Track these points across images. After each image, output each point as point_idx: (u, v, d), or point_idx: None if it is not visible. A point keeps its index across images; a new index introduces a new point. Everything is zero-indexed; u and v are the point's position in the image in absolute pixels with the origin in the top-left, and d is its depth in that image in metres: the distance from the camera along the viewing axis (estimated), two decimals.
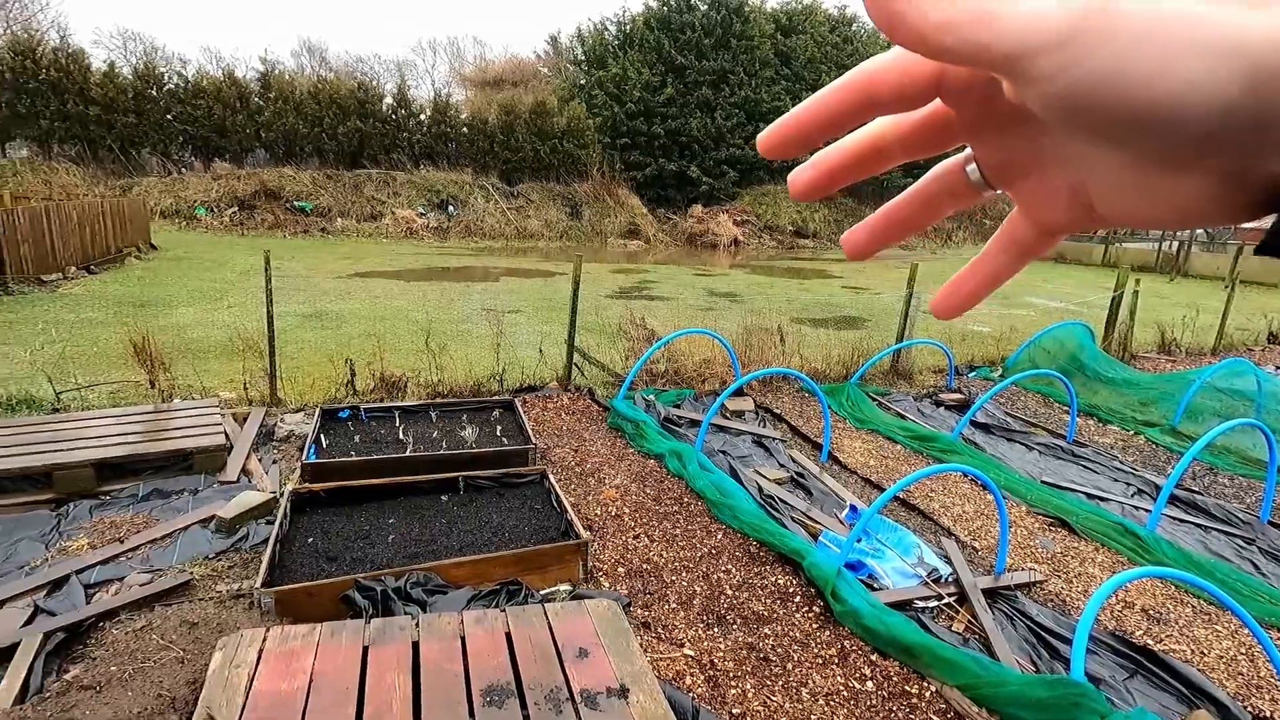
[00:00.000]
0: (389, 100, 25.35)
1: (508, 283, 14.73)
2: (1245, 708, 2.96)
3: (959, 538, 4.35)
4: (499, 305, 11.42)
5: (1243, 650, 3.37)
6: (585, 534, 3.70)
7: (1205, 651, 3.37)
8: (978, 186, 0.33)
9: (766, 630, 3.30)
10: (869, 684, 2.96)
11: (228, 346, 7.48)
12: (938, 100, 0.31)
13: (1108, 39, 0.23)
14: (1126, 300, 9.36)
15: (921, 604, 3.60)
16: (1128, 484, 5.41)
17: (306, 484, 4.12)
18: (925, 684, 2.96)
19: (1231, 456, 5.91)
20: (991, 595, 3.72)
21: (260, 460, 4.85)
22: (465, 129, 25.99)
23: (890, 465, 5.51)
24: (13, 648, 2.81)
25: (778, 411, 6.54)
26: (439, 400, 5.89)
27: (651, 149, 28.23)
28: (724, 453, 5.46)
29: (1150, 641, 3.39)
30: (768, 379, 7.37)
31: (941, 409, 7.00)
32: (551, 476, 4.37)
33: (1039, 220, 0.32)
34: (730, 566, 3.85)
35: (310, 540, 3.66)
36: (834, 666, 3.06)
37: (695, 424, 5.85)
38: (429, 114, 25.80)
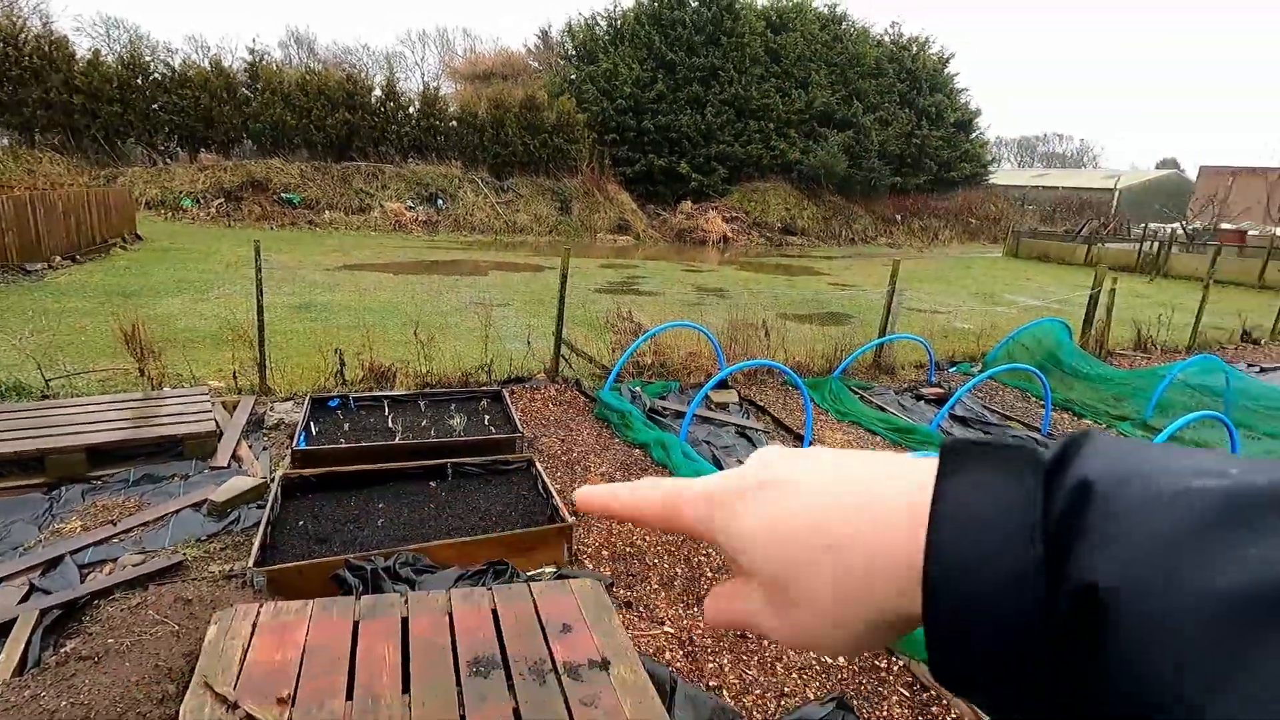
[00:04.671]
0: (378, 92, 25.27)
1: (497, 276, 14.79)
2: None
3: None
4: (488, 299, 11.49)
5: None
6: (570, 518, 3.81)
7: None
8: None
9: None
10: (840, 659, 3.09)
11: (216, 336, 7.52)
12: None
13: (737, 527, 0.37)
14: (1104, 299, 9.57)
15: None
16: None
17: (297, 469, 4.20)
18: (894, 659, 3.10)
19: (1194, 447, 6.09)
20: None
21: (250, 447, 4.92)
22: (455, 122, 25.96)
23: None
24: (10, 623, 2.88)
25: (761, 404, 6.68)
26: (428, 390, 5.97)
27: (641, 145, 28.32)
28: (708, 443, 5.59)
29: None
30: (752, 372, 7.51)
31: (922, 402, 7.17)
32: (538, 464, 4.47)
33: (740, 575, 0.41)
34: (711, 551, 3.97)
35: (301, 523, 3.74)
36: None
37: (680, 415, 5.97)
38: (418, 106, 25.74)
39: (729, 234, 26.23)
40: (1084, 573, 0.27)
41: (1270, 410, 6.96)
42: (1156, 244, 23.24)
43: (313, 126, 23.52)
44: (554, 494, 4.07)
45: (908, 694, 2.90)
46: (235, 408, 5.50)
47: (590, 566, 3.71)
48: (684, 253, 22.78)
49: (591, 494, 0.43)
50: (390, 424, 5.21)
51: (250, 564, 3.17)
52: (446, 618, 2.76)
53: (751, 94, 28.95)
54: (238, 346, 6.11)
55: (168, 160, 23.07)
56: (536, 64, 34.68)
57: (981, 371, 7.64)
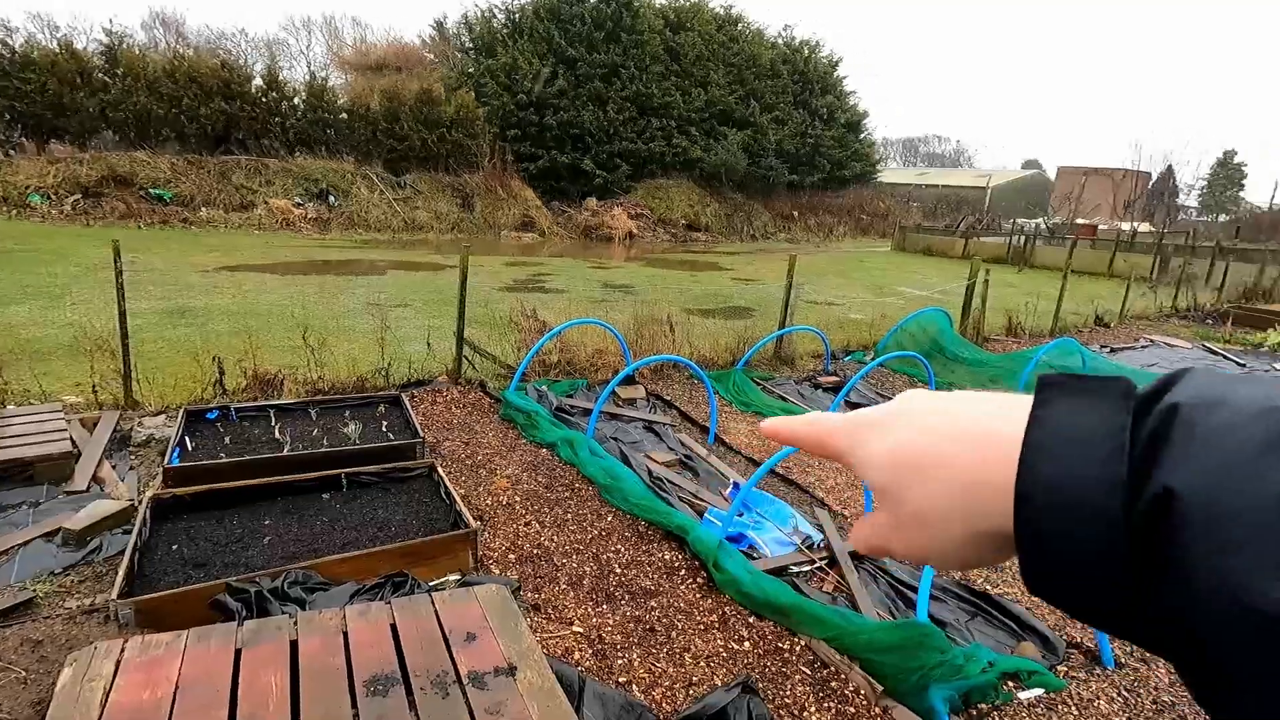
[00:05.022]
0: (258, 81, 23.64)
1: (395, 276, 14.20)
2: (1062, 636, 3.42)
3: (830, 507, 4.70)
4: (385, 299, 11.01)
5: None
6: (474, 523, 3.71)
7: None
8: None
9: (653, 603, 3.45)
10: (746, 644, 3.17)
11: (73, 347, 6.79)
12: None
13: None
14: (979, 289, 10.34)
15: (796, 569, 3.88)
16: None
17: (169, 489, 3.86)
18: (796, 639, 3.21)
19: None
20: (858, 557, 4.06)
21: (115, 467, 4.48)
22: (345, 115, 24.69)
23: (772, 445, 5.84)
24: None
25: (668, 398, 6.76)
26: (319, 398, 5.64)
27: (544, 141, 27.99)
28: (616, 439, 5.59)
29: (989, 587, 3.83)
30: (659, 367, 7.59)
31: (819, 391, 7.48)
32: (440, 469, 4.33)
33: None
34: (620, 546, 3.98)
35: (175, 548, 3.44)
36: (715, 631, 3.25)
37: (587, 413, 5.94)
38: (304, 98, 24.29)
39: (635, 231, 26.40)
40: (1161, 480, 0.29)
41: None
42: (1023, 238, 25.37)
43: (184, 117, 21.71)
44: (457, 499, 3.95)
45: (809, 672, 3.02)
46: (96, 425, 4.99)
47: (497, 571, 3.63)
48: (590, 250, 22.73)
49: (777, 425, 0.48)
50: (278, 435, 4.88)
51: (114, 596, 2.88)
52: (341, 637, 2.61)
53: (653, 92, 29.22)
54: (98, 357, 5.54)
55: (10, 151, 20.64)
56: (432, 56, 33.51)
57: (873, 360, 8.05)
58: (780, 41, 34.95)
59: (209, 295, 10.66)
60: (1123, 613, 0.31)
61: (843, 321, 11.29)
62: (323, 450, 4.59)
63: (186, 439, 4.64)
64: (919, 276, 19.67)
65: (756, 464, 5.41)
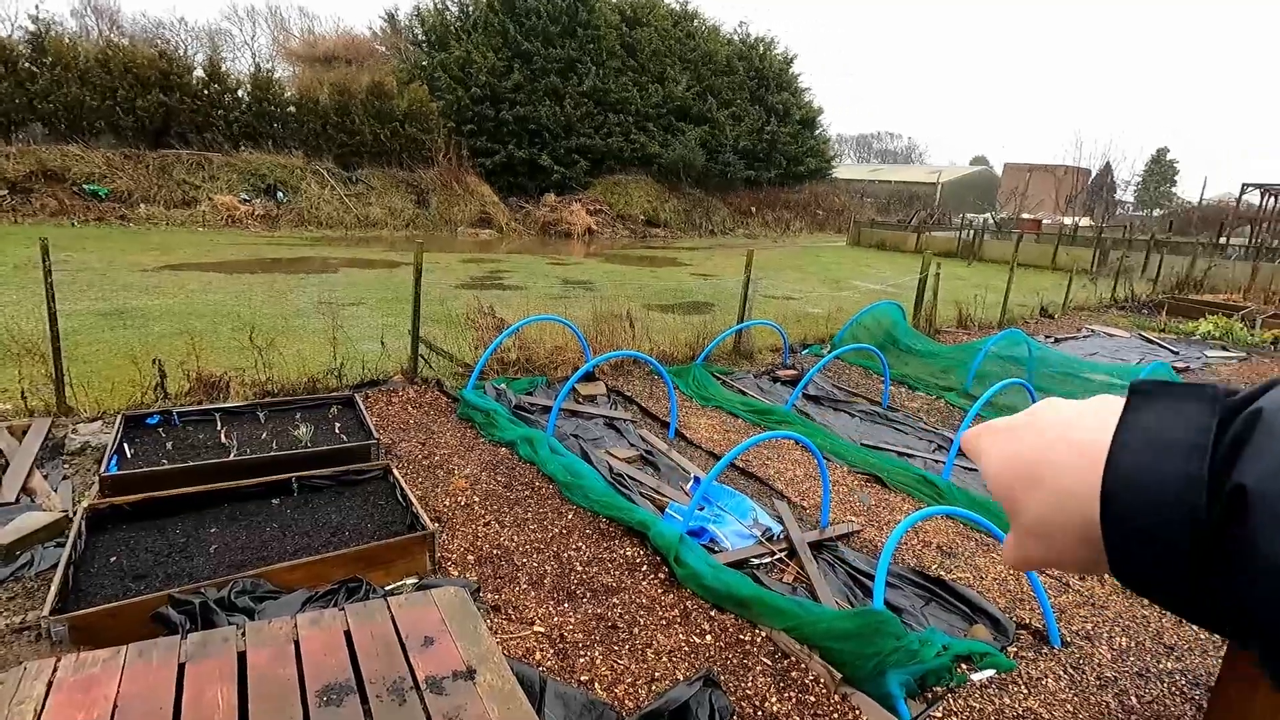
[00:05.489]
0: (200, 73, 22.75)
1: (348, 274, 13.86)
2: (1011, 618, 3.53)
3: (790, 499, 4.76)
4: (338, 298, 10.74)
5: (1012, 572, 3.99)
6: (432, 525, 3.64)
7: (984, 576, 3.96)
8: None
9: (615, 600, 3.44)
10: (708, 637, 3.19)
11: None
12: None
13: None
14: (931, 282, 10.60)
15: (757, 561, 3.91)
16: (930, 441, 6.17)
17: (107, 498, 3.68)
18: (757, 631, 3.24)
19: (1007, 412, 6.90)
20: (817, 547, 4.12)
21: (47, 477, 4.26)
22: (293, 108, 23.94)
23: (733, 438, 5.89)
24: None
25: (629, 394, 6.75)
26: (268, 400, 5.46)
27: (500, 135, 27.65)
28: (576, 436, 5.56)
29: (943, 573, 3.93)
30: (620, 363, 7.57)
31: (778, 384, 7.56)
32: (396, 471, 4.23)
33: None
34: (581, 544, 3.96)
35: (113, 559, 3.29)
36: (677, 626, 3.26)
37: (547, 410, 5.89)
38: (249, 90, 23.47)
39: (594, 226, 26.29)
40: (1237, 478, 0.31)
41: (1062, 375, 8.03)
42: (972, 232, 26.13)
43: (119, 109, 20.76)
44: (414, 501, 3.87)
45: (770, 662, 3.05)
46: (25, 432, 4.73)
47: (456, 573, 3.57)
48: (549, 246, 22.56)
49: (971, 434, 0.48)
50: (224, 439, 4.71)
51: (46, 612, 2.74)
52: (292, 646, 2.53)
53: (610, 87, 29.12)
54: (26, 362, 5.26)
55: None
56: (384, 49, 32.73)
57: (830, 353, 8.19)
58: (736, 38, 35.17)
59: (149, 295, 10.23)
60: (1202, 601, 0.33)
61: (800, 315, 11.44)
62: (272, 454, 4.45)
63: (125, 446, 4.44)
64: (873, 270, 20.08)
65: (716, 458, 5.44)
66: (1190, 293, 16.15)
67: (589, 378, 6.81)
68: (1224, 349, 11.16)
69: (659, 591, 3.54)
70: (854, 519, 4.56)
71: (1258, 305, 14.11)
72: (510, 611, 3.29)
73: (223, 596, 2.92)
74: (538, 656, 2.98)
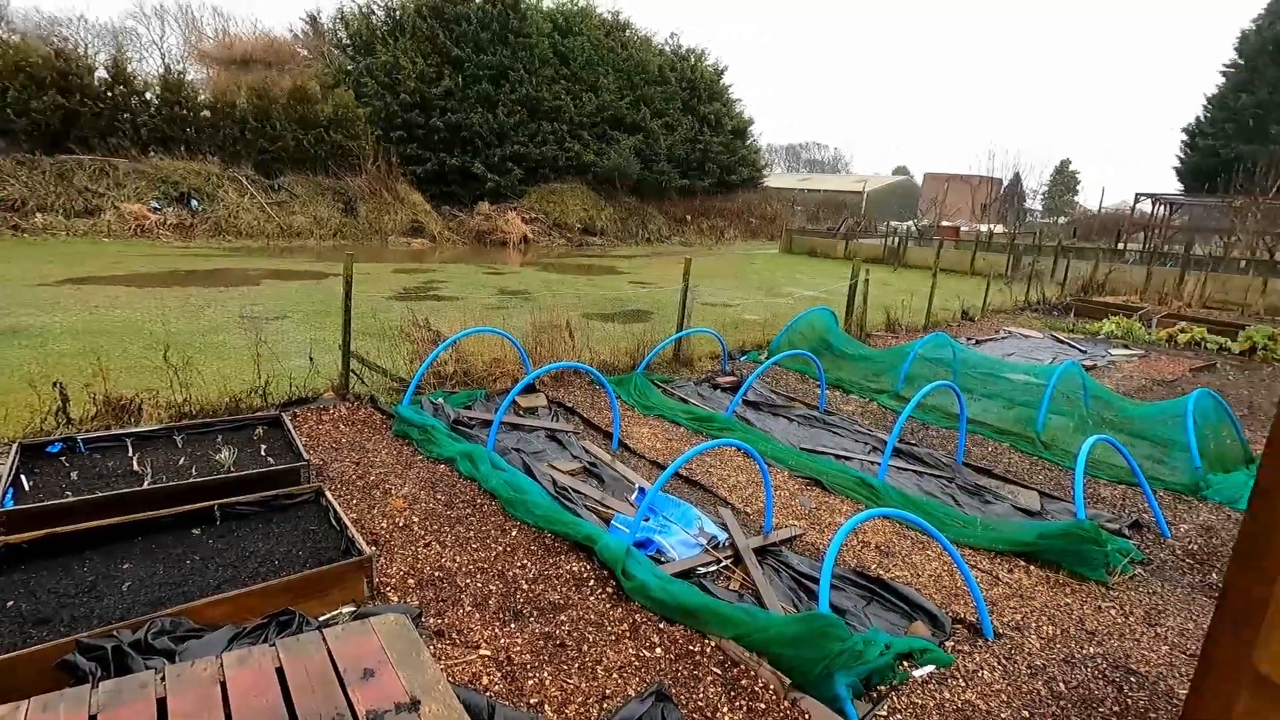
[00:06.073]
0: (102, 73, 21.36)
1: (271, 286, 13.25)
2: (947, 613, 3.66)
3: (734, 506, 4.81)
4: (261, 311, 10.25)
5: (946, 568, 4.15)
6: (368, 549, 3.49)
7: (921, 573, 4.09)
8: None
9: (563, 617, 3.38)
10: (658, 650, 3.17)
11: None
12: None
13: None
14: (860, 288, 10.96)
15: (703, 570, 3.92)
16: (865, 443, 6.36)
17: (1, 536, 3.37)
18: (707, 640, 3.24)
19: (936, 413, 7.22)
20: (761, 553, 4.17)
21: None
22: (208, 112, 22.79)
23: (675, 447, 5.91)
24: None
25: (570, 405, 6.68)
26: (185, 423, 5.14)
27: (431, 143, 27.09)
28: (518, 450, 5.46)
29: (881, 572, 4.04)
30: (561, 374, 7.50)
31: (718, 391, 7.65)
32: (329, 493, 4.05)
33: None
34: (526, 561, 3.88)
35: (10, 604, 3.01)
36: (626, 640, 3.23)
37: (487, 424, 5.77)
38: (158, 93, 22.20)
39: (530, 235, 26.05)
40: None
41: (984, 376, 8.43)
42: (896, 239, 27.23)
43: (10, 111, 19.25)
44: (349, 525, 3.70)
45: (720, 672, 3.05)
46: None
47: (396, 599, 3.43)
48: (485, 255, 22.20)
49: None
50: (136, 466, 4.40)
51: None
52: (218, 688, 2.36)
53: (543, 95, 28.98)
54: None
55: None
56: (306, 52, 31.59)
57: (767, 359, 8.35)
58: (667, 49, 35.65)
59: (49, 312, 9.49)
60: None
61: (737, 322, 11.63)
62: (190, 481, 4.18)
63: (22, 477, 4.08)
64: (806, 277, 20.63)
65: (660, 467, 5.45)
66: (1094, 295, 17.28)
67: (529, 390, 6.71)
68: (1125, 347, 11.98)
69: (607, 606, 3.50)
70: (796, 523, 4.64)
71: (1153, 306, 15.23)
72: (455, 635, 3.19)
73: (139, 639, 2.71)
74: (485, 681, 2.90)
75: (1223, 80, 37.27)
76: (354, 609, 3.25)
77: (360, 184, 24.31)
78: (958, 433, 6.29)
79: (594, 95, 30.71)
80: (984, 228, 37.29)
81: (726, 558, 4.03)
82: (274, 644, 2.59)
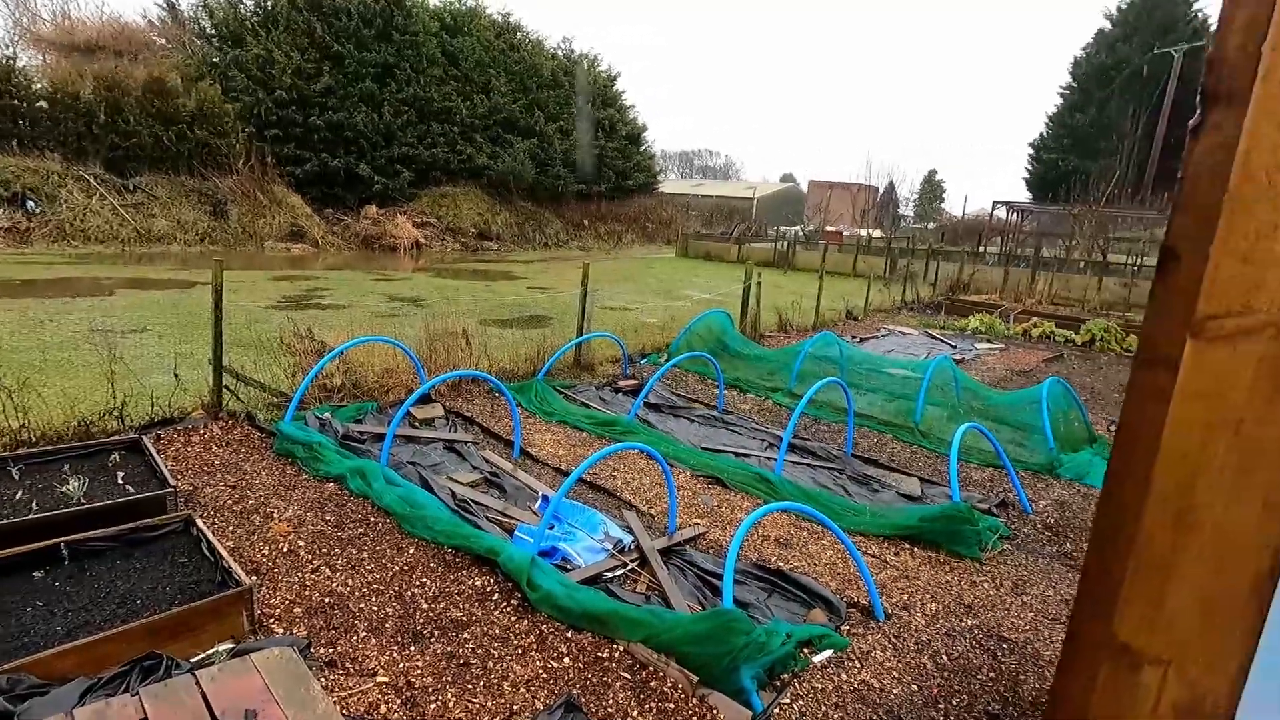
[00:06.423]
0: None
1: (128, 296, 12.03)
2: (842, 599, 3.84)
3: (639, 508, 4.83)
4: (115, 324, 9.29)
5: (840, 556, 4.36)
6: (248, 580, 3.22)
7: (817, 562, 4.28)
8: None
9: (466, 635, 3.27)
10: (566, 660, 3.12)
11: None
12: None
13: None
14: (754, 290, 11.37)
15: (610, 574, 3.91)
16: (762, 440, 6.58)
17: None
18: (615, 645, 3.23)
19: (827, 408, 7.59)
20: (666, 553, 4.21)
21: None
22: (45, 103, 20.42)
23: (579, 452, 5.87)
24: None
25: (469, 415, 6.49)
26: (23, 452, 4.55)
27: (311, 143, 25.59)
28: (414, 463, 5.24)
29: (781, 564, 4.19)
30: (458, 383, 7.27)
31: (620, 394, 7.68)
32: (200, 521, 3.70)
33: None
34: (426, 580, 3.72)
35: None
36: (533, 653, 3.16)
37: (380, 438, 5.49)
38: None
39: (421, 240, 25.16)
40: None
41: (868, 371, 8.96)
42: (785, 243, 28.50)
43: None
44: (224, 554, 3.40)
45: (629, 676, 3.05)
46: None
47: (281, 631, 3.19)
48: (373, 261, 21.21)
49: None
50: None
51: None
52: None
53: (432, 95, 28.08)
54: None
55: None
56: (164, 41, 28.94)
57: (667, 361, 8.47)
58: (560, 53, 35.56)
59: None
60: None
61: (637, 325, 11.74)
62: (31, 517, 3.70)
63: None
64: (702, 280, 21.16)
65: (564, 474, 5.39)
66: (961, 294, 18.80)
67: (425, 400, 6.46)
68: (988, 341, 13.11)
69: (513, 619, 3.41)
70: (699, 521, 4.73)
71: (1010, 303, 16.75)
72: (348, 664, 3.00)
73: None
74: (383, 710, 2.74)
75: (1060, 100, 41.75)
76: (233, 646, 2.98)
77: (231, 185, 22.58)
78: (846, 426, 6.64)
79: (486, 97, 30.12)
80: (864, 232, 39.72)
81: (633, 560, 4.04)
82: (137, 693, 2.34)
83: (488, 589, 3.66)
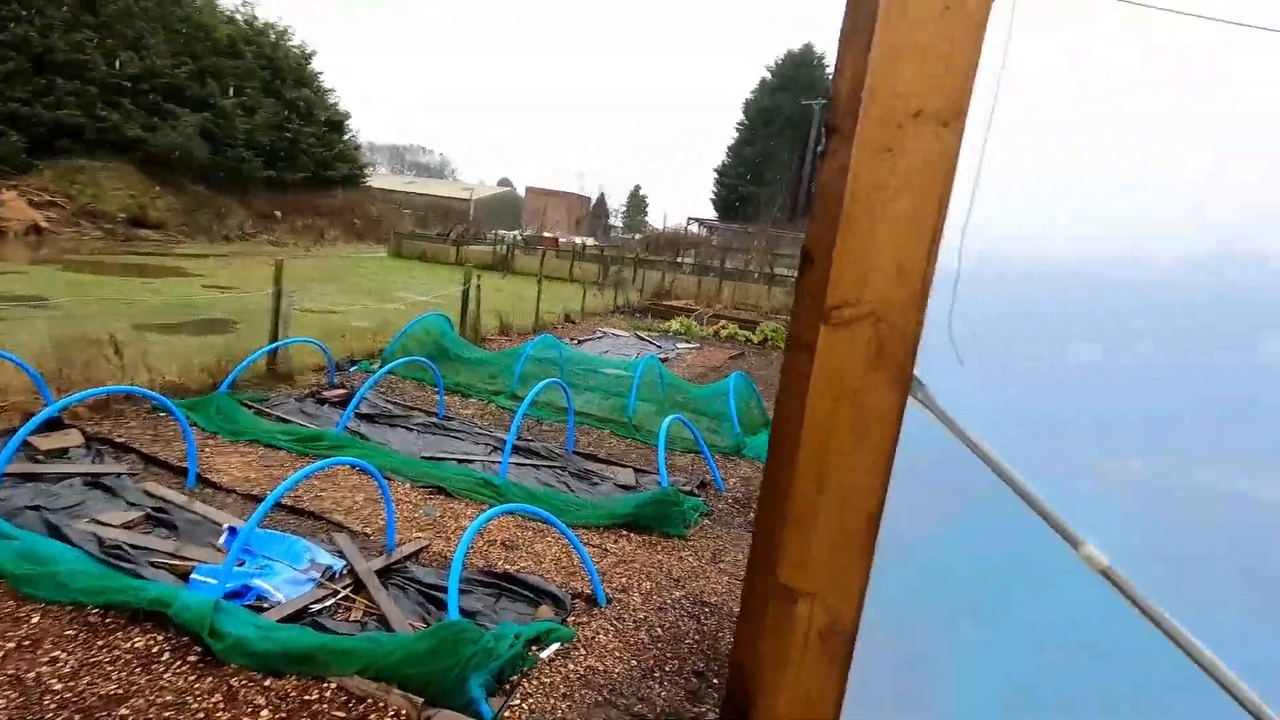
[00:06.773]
0: None
1: None
2: (567, 591, 3.98)
3: (351, 529, 4.42)
4: None
5: (565, 551, 4.50)
6: None
7: (543, 559, 4.36)
8: None
9: (124, 711, 2.65)
10: (264, 713, 2.72)
11: None
12: None
13: None
14: (473, 293, 11.18)
15: (318, 606, 3.51)
16: (487, 444, 6.51)
17: None
18: (326, 684, 2.91)
19: (549, 409, 7.79)
20: (385, 573, 3.92)
21: None
22: None
23: (275, 474, 5.16)
24: None
25: (122, 441, 5.29)
26: None
27: None
28: (37, 508, 4.10)
29: (508, 566, 4.18)
30: (104, 402, 5.87)
31: (326, 406, 6.95)
32: None
33: None
34: (59, 653, 2.93)
35: None
36: (220, 713, 2.69)
37: None
38: None
39: (43, 224, 19.84)
40: None
41: (586, 371, 9.44)
42: (504, 246, 28.63)
43: None
44: None
45: (344, 714, 2.77)
46: None
47: None
48: None
49: None
50: None
51: None
52: None
53: (55, 43, 22.32)
54: None
55: None
56: None
57: (381, 368, 7.90)
58: (240, 19, 30.97)
59: None
60: None
61: (345, 330, 10.73)
62: None
63: None
64: (418, 282, 20.19)
65: (257, 500, 4.69)
66: (664, 299, 20.84)
67: (53, 426, 5.10)
68: (687, 341, 14.74)
69: (191, 679, 2.86)
70: (421, 535, 4.50)
71: (703, 308, 19.05)
72: None
73: None
74: None
75: (736, 134, 48.86)
76: None
77: None
78: (567, 425, 6.89)
79: (137, 55, 24.88)
80: (579, 239, 41.76)
81: (345, 587, 3.68)
82: None
83: (154, 649, 3.02)
